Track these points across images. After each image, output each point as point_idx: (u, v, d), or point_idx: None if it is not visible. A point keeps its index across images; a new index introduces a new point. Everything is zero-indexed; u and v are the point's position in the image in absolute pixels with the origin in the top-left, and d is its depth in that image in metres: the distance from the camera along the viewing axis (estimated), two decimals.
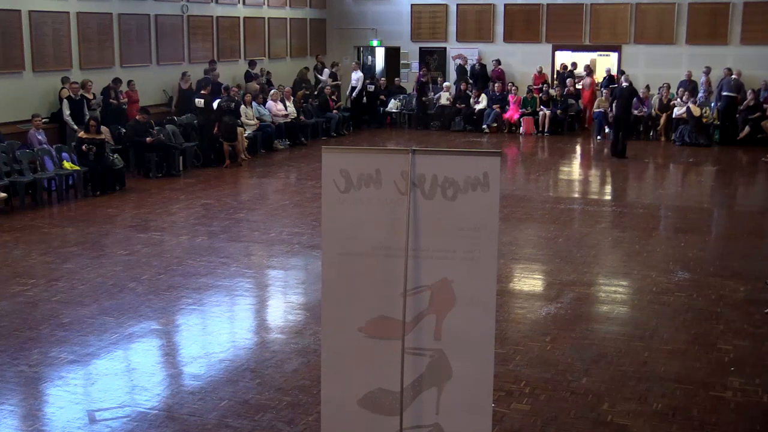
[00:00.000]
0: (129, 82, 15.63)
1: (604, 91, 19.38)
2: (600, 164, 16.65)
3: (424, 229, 4.13)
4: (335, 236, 4.24)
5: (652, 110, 18.90)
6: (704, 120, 18.06)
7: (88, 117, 13.56)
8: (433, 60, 22.29)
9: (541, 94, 19.84)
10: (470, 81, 20.74)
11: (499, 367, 5.86)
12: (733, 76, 18.18)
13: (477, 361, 4.19)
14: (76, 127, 13.67)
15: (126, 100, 15.36)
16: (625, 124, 16.56)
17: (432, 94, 20.89)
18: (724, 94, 17.93)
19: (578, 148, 18.31)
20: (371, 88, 21.10)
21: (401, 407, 4.18)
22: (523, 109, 19.81)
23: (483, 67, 21.28)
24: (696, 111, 17.87)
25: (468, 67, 21.36)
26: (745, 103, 17.90)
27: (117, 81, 15.25)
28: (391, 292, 4.16)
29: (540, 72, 20.69)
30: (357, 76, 20.99)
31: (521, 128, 19.65)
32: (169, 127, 15.05)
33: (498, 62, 20.96)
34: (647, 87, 19.17)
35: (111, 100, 14.94)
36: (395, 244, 4.14)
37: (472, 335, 4.17)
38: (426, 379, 4.22)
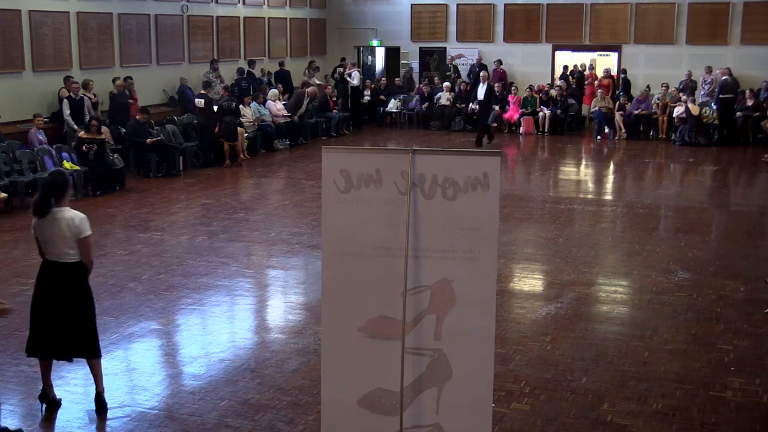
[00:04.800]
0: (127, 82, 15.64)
1: (600, 91, 19.40)
2: (600, 164, 16.66)
3: (424, 229, 4.13)
4: (335, 236, 4.24)
5: (652, 109, 18.91)
6: (704, 120, 18.03)
7: (88, 117, 13.57)
8: (433, 60, 22.30)
9: (541, 95, 19.86)
10: (466, 80, 20.75)
11: (499, 367, 5.86)
12: (725, 77, 18.12)
13: (477, 361, 4.19)
14: (76, 127, 13.67)
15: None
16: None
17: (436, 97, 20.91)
18: (720, 96, 17.93)
19: (578, 148, 18.30)
20: (367, 96, 21.21)
21: (401, 407, 4.18)
22: (523, 109, 19.81)
23: (483, 67, 21.28)
24: (695, 110, 17.83)
25: (455, 64, 21.35)
26: (741, 104, 17.93)
27: (127, 79, 15.49)
28: (391, 292, 4.16)
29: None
30: (356, 76, 21.03)
31: (521, 128, 19.66)
32: (169, 127, 15.06)
33: (499, 62, 20.97)
34: (647, 87, 19.18)
35: (129, 100, 15.13)
36: (395, 244, 4.14)
37: (472, 335, 4.17)
38: (426, 379, 4.22)
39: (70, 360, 5.74)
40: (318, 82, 20.17)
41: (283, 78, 19.86)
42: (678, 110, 18.17)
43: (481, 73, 18.86)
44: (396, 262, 4.14)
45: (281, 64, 20.41)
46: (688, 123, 17.82)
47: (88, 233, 5.54)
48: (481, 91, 18.19)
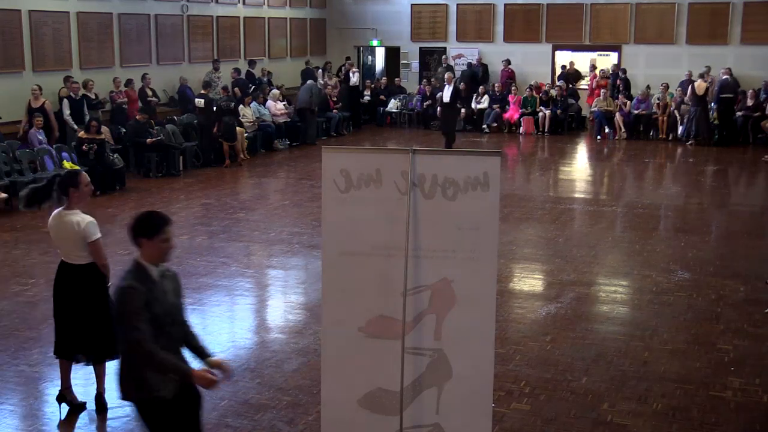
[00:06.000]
0: (128, 82, 15.63)
1: (603, 91, 19.39)
2: (600, 164, 16.65)
3: (424, 229, 4.13)
4: (335, 236, 4.24)
5: (652, 109, 18.90)
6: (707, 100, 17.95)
7: (88, 117, 13.58)
8: (433, 60, 22.29)
9: (541, 94, 19.86)
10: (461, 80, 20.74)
11: (499, 367, 5.86)
12: (725, 77, 18.09)
13: (477, 361, 4.19)
14: (76, 126, 13.67)
15: (126, 99, 15.40)
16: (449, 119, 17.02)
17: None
18: (720, 96, 17.91)
19: (578, 148, 18.31)
20: (367, 96, 21.24)
21: (401, 407, 4.18)
22: (523, 109, 19.81)
23: (484, 66, 21.29)
24: (700, 88, 17.53)
25: (449, 64, 21.34)
26: (742, 104, 17.90)
27: (145, 76, 15.88)
28: (391, 292, 4.16)
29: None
30: (356, 75, 21.04)
31: (521, 128, 19.66)
32: (169, 127, 15.07)
33: (507, 62, 20.94)
34: (648, 87, 19.18)
35: (149, 99, 15.31)
36: (395, 244, 4.14)
37: (472, 335, 4.17)
38: (426, 379, 4.22)
39: (87, 363, 5.66)
40: (330, 82, 20.16)
41: (310, 76, 19.91)
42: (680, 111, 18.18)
43: (446, 75, 17.76)
44: (396, 261, 4.13)
45: (307, 63, 20.96)
46: (693, 105, 17.60)
47: (94, 237, 5.53)
48: (446, 93, 16.81)
